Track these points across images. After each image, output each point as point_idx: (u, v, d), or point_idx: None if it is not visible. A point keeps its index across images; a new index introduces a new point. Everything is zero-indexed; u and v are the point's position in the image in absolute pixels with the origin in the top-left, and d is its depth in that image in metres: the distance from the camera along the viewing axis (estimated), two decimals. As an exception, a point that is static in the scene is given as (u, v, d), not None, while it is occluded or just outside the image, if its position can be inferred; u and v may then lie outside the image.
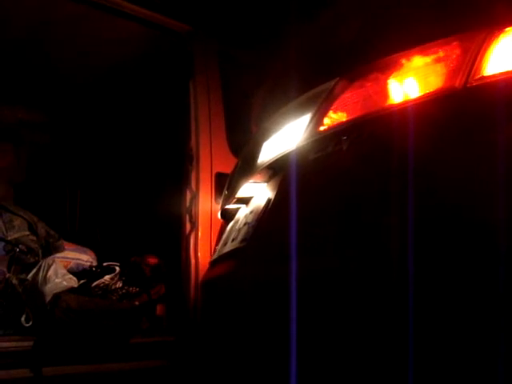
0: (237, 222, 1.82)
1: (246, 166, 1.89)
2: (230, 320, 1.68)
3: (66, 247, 3.36)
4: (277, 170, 1.61)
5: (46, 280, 2.94)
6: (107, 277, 3.17)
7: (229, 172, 2.35)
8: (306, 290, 1.24)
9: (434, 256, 1.04)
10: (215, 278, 1.87)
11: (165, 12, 3.17)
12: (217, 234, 2.28)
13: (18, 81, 4.19)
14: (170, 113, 3.70)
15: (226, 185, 2.16)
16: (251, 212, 1.67)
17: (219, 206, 2.26)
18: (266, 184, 1.68)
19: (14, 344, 2.65)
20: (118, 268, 3.27)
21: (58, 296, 2.81)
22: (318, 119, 1.45)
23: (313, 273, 1.26)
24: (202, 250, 2.98)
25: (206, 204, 3.04)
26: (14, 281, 2.97)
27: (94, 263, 3.46)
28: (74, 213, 4.79)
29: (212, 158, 3.11)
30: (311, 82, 1.64)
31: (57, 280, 2.97)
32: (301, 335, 1.23)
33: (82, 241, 3.75)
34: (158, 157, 3.97)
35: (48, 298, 2.82)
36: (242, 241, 1.61)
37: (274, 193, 1.54)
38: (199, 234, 3.00)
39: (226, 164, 3.00)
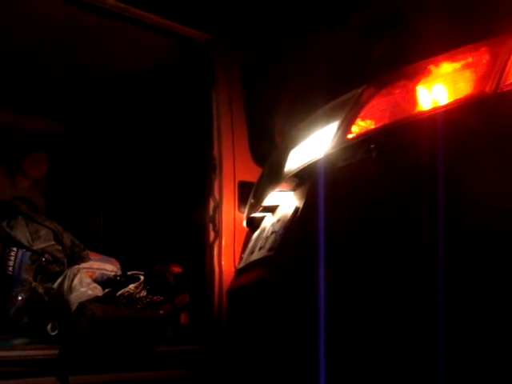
0: (263, 230, 1.81)
1: (272, 175, 1.89)
2: (258, 329, 1.67)
3: (90, 257, 3.39)
4: (304, 179, 1.60)
5: (71, 289, 2.97)
6: (132, 286, 3.18)
7: (252, 181, 2.35)
8: (334, 299, 1.24)
9: (466, 266, 1.03)
10: (242, 287, 1.87)
11: (185, 21, 3.18)
12: (240, 243, 2.28)
13: (42, 91, 4.24)
14: (192, 122, 3.71)
15: (251, 193, 2.16)
16: (278, 220, 1.67)
17: (244, 215, 2.26)
18: (292, 192, 1.67)
19: (40, 352, 2.67)
20: (142, 277, 3.28)
21: (83, 305, 2.83)
22: (345, 127, 1.44)
23: (341, 281, 1.25)
24: (226, 259, 2.98)
25: (229, 213, 3.05)
26: (40, 290, 3.00)
27: (119, 272, 3.47)
28: (97, 222, 4.84)
29: (235, 166, 3.12)
30: (335, 91, 1.64)
31: (82, 289, 3.00)
32: (330, 344, 1.22)
33: (105, 250, 3.77)
34: (182, 165, 3.98)
35: (73, 307, 2.85)
36: (270, 249, 1.60)
37: (302, 201, 1.54)
38: (223, 242, 3.01)
39: (249, 173, 3.00)
